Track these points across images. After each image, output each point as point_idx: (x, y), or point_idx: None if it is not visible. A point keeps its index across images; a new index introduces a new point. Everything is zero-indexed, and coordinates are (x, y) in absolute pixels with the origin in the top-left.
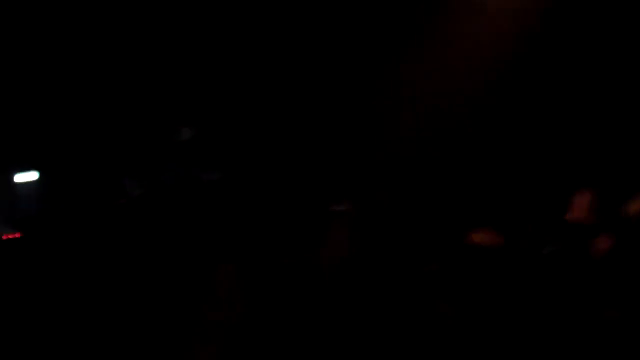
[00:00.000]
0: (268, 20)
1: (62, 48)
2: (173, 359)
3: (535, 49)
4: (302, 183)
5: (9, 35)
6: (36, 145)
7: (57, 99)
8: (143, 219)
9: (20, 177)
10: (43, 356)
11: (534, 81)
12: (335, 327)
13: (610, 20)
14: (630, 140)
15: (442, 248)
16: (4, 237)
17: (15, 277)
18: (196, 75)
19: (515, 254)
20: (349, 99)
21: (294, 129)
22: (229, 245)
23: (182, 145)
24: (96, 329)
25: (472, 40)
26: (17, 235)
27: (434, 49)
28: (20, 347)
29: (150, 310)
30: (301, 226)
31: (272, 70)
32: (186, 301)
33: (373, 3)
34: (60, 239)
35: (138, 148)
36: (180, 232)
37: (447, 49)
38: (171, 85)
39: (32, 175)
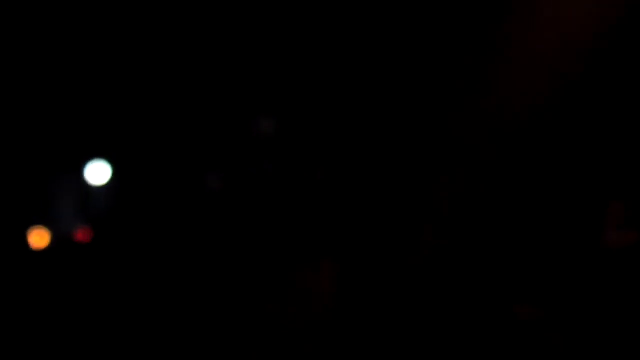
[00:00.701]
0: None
1: (139, 39)
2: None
3: (606, 55)
4: (381, 182)
5: (84, 28)
6: (110, 139)
7: (133, 92)
8: (224, 214)
9: (93, 173)
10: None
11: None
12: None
13: None
14: None
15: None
16: (78, 236)
17: (88, 277)
18: (282, 69)
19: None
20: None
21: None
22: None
23: (265, 139)
24: (172, 328)
25: (542, 46)
26: (90, 233)
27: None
28: (94, 343)
29: (230, 306)
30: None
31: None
32: (271, 297)
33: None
34: (135, 239)
35: (220, 141)
36: (262, 227)
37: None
38: (254, 78)
39: (105, 171)
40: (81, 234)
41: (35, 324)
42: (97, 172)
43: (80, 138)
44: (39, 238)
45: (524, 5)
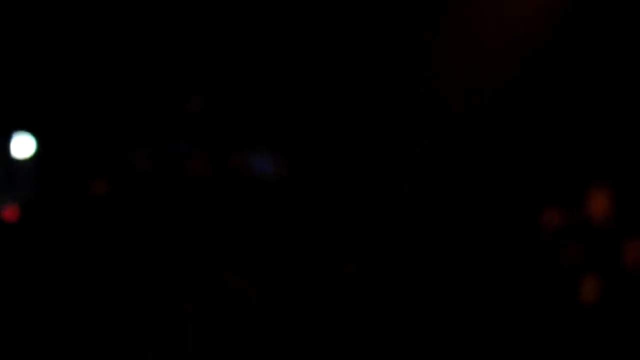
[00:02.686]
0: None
1: (67, 10)
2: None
3: (551, 47)
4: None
5: None
6: (35, 111)
7: (58, 61)
8: (152, 198)
9: (18, 147)
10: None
11: (547, 79)
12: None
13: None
14: None
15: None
16: (5, 215)
17: (12, 262)
18: (209, 45)
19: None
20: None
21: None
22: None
23: (193, 117)
24: (93, 323)
25: (484, 37)
26: (16, 213)
27: (445, 46)
28: (19, 338)
29: (153, 306)
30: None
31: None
32: (190, 297)
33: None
34: (61, 220)
35: (147, 119)
36: (190, 216)
37: (457, 47)
38: (182, 53)
39: (30, 144)
40: (8, 213)
41: None
42: (22, 145)
43: (2, 109)
44: None
45: (463, 3)
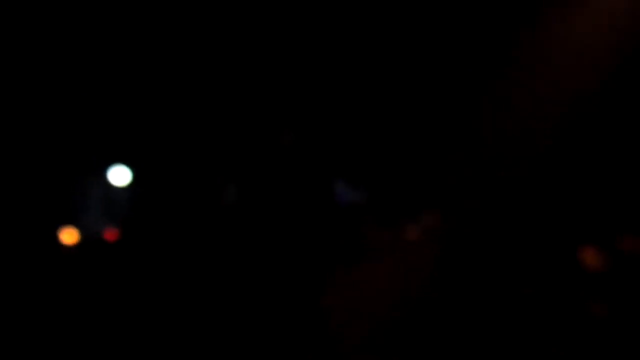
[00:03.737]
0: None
1: (163, 46)
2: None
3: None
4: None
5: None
6: (131, 144)
7: (155, 96)
8: (240, 225)
9: (115, 177)
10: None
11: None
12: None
13: None
14: None
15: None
16: (106, 236)
17: (112, 277)
18: (299, 80)
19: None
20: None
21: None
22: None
23: (285, 150)
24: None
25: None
26: (115, 234)
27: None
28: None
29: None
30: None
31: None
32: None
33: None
34: (158, 241)
35: (240, 152)
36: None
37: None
38: (274, 90)
39: (126, 175)
40: (109, 234)
41: (64, 318)
42: (119, 175)
43: (103, 142)
44: (69, 236)
45: (548, 17)
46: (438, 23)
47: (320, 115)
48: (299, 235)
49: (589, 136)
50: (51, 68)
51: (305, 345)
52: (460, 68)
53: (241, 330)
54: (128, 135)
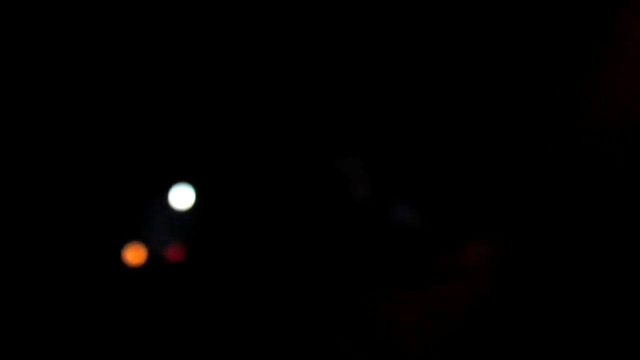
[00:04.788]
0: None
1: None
2: None
3: None
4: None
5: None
6: (195, 164)
7: (215, 120)
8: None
9: (180, 196)
10: None
11: None
12: None
13: None
14: None
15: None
16: (171, 255)
17: (181, 295)
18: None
19: None
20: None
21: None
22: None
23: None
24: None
25: None
26: (183, 252)
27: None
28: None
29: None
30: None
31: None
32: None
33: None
34: (224, 260)
35: (298, 175)
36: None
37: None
38: (332, 110)
39: (190, 194)
40: (174, 253)
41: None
42: (183, 195)
43: (167, 161)
44: (135, 255)
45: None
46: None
47: (377, 135)
48: (350, 255)
49: None
50: (115, 88)
51: None
52: (529, 80)
53: (286, 350)
54: (192, 154)
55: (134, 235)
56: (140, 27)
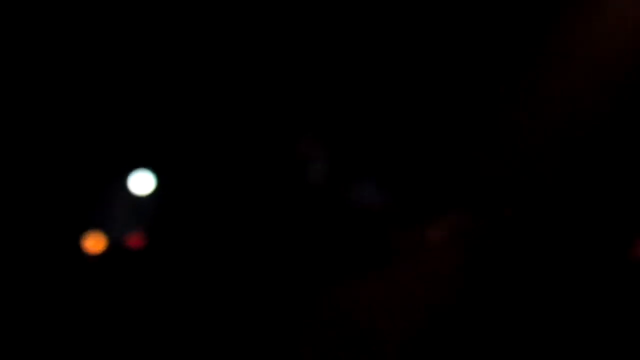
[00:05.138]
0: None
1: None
2: None
3: None
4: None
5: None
6: (156, 149)
7: (180, 101)
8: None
9: (140, 181)
10: None
11: None
12: None
13: None
14: None
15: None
16: (131, 242)
17: (142, 282)
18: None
19: None
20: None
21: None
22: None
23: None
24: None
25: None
26: (143, 240)
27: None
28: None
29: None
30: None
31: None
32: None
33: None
34: (186, 248)
35: (260, 155)
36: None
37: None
38: (293, 91)
39: (150, 180)
40: (134, 240)
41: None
42: (143, 181)
43: (127, 146)
44: (95, 242)
45: (589, 8)
46: (462, 20)
47: (337, 114)
48: (314, 237)
49: (624, 130)
50: (76, 72)
51: (320, 349)
52: (491, 61)
53: (256, 336)
54: (152, 140)
55: (94, 223)
56: (101, 11)
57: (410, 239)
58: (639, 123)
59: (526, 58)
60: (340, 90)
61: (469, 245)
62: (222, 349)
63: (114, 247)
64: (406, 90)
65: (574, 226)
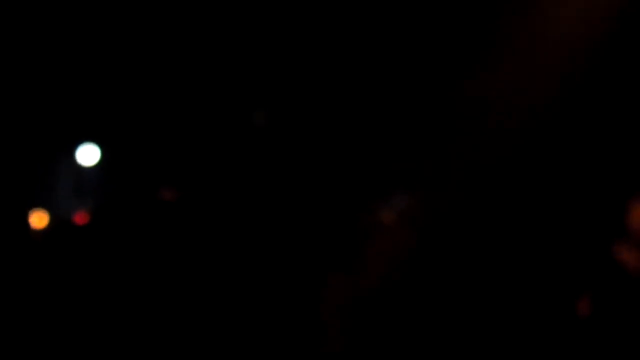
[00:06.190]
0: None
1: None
2: None
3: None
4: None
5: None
6: (100, 122)
7: (123, 75)
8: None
9: (84, 156)
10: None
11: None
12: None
13: None
14: None
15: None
16: (76, 219)
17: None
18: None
19: None
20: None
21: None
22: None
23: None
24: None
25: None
26: (86, 217)
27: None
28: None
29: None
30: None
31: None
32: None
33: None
34: (130, 224)
35: (210, 133)
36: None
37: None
38: (247, 70)
39: (94, 154)
40: (79, 217)
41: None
42: (88, 155)
43: (70, 121)
44: (38, 219)
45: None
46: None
47: (289, 97)
48: (266, 224)
49: (572, 125)
50: (17, 46)
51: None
52: (438, 53)
53: (225, 327)
54: (97, 114)
55: (38, 199)
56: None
57: (365, 220)
58: (583, 114)
59: (480, 45)
60: (300, 68)
61: (419, 228)
62: (167, 336)
63: (59, 222)
64: (356, 77)
65: (522, 208)
